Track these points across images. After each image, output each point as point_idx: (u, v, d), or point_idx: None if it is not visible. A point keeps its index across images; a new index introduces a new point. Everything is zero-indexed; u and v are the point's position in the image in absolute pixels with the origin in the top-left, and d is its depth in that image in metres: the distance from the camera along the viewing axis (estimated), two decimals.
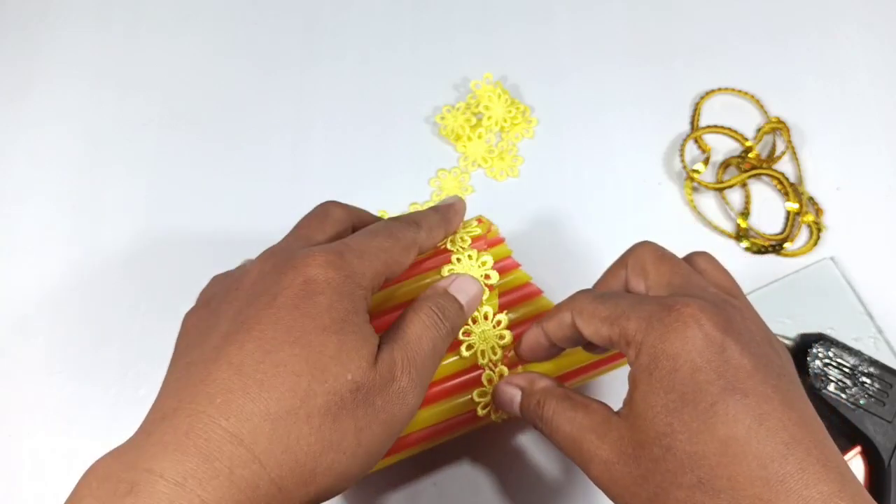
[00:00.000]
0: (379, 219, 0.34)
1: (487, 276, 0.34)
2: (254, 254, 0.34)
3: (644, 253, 0.30)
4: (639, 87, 0.48)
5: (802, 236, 0.44)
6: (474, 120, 0.46)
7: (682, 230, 0.44)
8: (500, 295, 0.35)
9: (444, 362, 0.33)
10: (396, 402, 0.26)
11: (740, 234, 0.44)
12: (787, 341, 0.38)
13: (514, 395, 0.30)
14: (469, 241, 0.35)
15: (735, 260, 0.43)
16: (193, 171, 0.46)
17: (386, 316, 0.33)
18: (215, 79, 0.49)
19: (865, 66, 0.48)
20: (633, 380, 0.26)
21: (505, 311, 0.34)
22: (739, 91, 0.48)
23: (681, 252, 0.43)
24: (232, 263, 0.38)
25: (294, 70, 0.49)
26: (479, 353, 0.33)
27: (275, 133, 0.47)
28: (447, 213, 0.34)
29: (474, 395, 0.33)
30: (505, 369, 0.33)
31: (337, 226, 0.31)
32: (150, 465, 0.22)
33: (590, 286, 0.32)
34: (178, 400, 0.24)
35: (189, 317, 0.29)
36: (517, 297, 0.35)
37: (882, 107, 0.47)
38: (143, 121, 0.48)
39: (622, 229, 0.44)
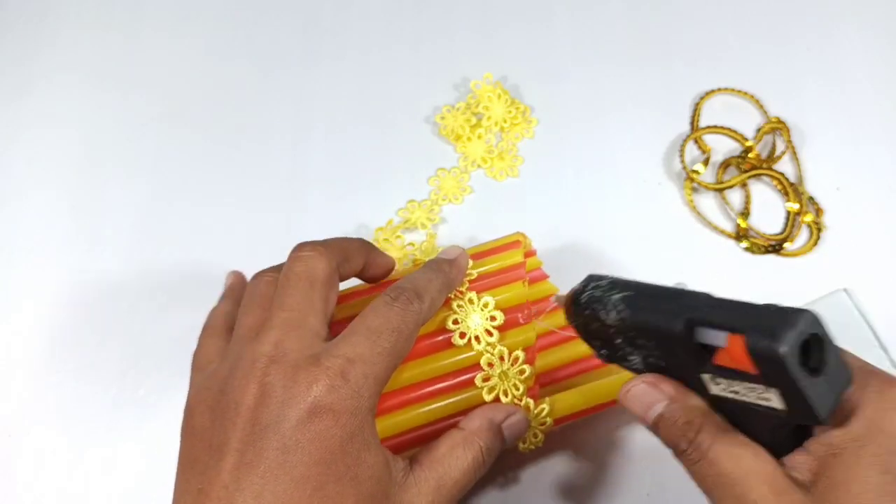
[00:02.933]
0: (363, 242, 0.33)
1: (493, 318, 0.33)
2: (251, 255, 0.34)
3: None
4: (639, 87, 0.48)
5: (802, 236, 0.44)
6: (474, 120, 0.46)
7: (682, 230, 0.44)
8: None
9: (467, 395, 0.32)
10: None
11: (740, 235, 0.43)
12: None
13: (655, 401, 0.26)
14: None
15: (735, 260, 0.43)
16: (193, 170, 0.46)
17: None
18: (215, 79, 0.49)
19: (865, 66, 0.48)
20: (828, 444, 0.23)
21: (522, 348, 0.33)
22: (739, 91, 0.48)
23: (680, 252, 0.43)
24: (232, 262, 0.38)
25: (294, 70, 0.49)
26: (501, 393, 0.32)
27: (275, 133, 0.47)
28: (450, 275, 0.32)
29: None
30: (531, 402, 0.32)
31: (324, 291, 0.29)
32: None
33: None
34: None
35: (191, 412, 0.28)
36: (558, 339, 0.34)
37: (882, 107, 0.47)
38: (143, 121, 0.48)
39: (622, 229, 0.44)
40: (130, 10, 0.52)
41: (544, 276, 0.35)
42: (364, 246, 0.33)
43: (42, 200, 0.46)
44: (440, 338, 0.33)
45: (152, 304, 0.43)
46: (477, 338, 0.32)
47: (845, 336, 0.40)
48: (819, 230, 0.43)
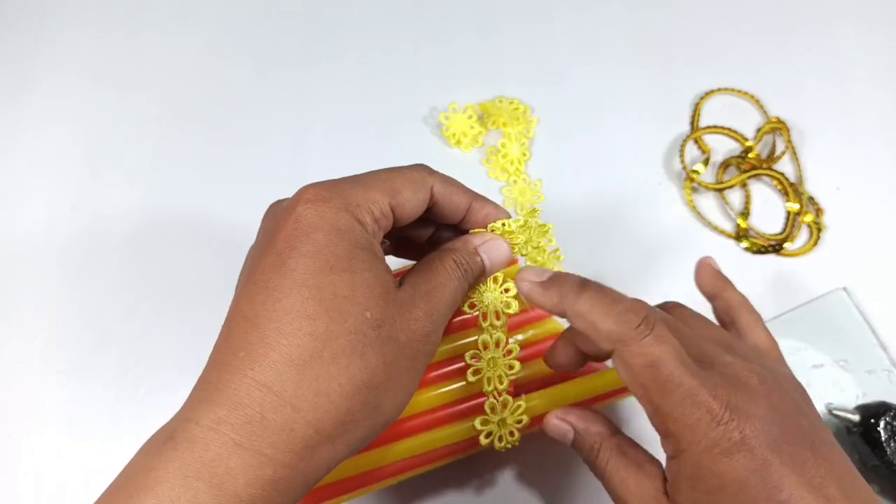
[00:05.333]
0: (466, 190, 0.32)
1: (507, 305, 0.32)
2: None
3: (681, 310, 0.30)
4: (639, 87, 0.48)
5: (802, 236, 0.44)
6: (477, 127, 0.46)
7: (682, 230, 0.44)
8: (510, 316, 0.33)
9: (446, 388, 0.33)
10: (420, 340, 0.26)
11: (740, 234, 0.44)
12: (849, 415, 0.36)
13: (566, 432, 0.30)
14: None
15: (735, 260, 0.43)
16: (193, 170, 0.46)
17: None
18: (215, 79, 0.49)
19: (865, 66, 0.48)
20: (673, 479, 0.26)
21: (516, 340, 0.33)
22: (739, 91, 0.48)
23: (680, 252, 0.43)
24: (231, 262, 0.38)
25: (294, 70, 0.49)
26: (485, 380, 0.32)
27: (275, 133, 0.47)
28: (473, 192, 0.32)
29: (476, 423, 0.32)
30: (509, 399, 0.32)
31: (402, 185, 0.28)
32: (188, 415, 0.23)
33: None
34: (211, 364, 0.25)
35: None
36: (526, 319, 0.34)
37: (882, 107, 0.47)
38: (143, 121, 0.48)
39: (622, 229, 0.44)
40: (130, 10, 0.52)
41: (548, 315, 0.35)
42: (475, 194, 0.32)
43: (42, 200, 0.46)
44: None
45: (152, 304, 0.43)
46: (485, 315, 0.32)
47: (845, 335, 0.40)
48: (819, 230, 0.43)
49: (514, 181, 0.45)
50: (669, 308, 0.30)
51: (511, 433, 0.32)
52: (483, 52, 0.50)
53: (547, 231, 0.34)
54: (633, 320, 0.26)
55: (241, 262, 0.36)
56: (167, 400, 0.39)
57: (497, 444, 0.32)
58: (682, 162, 0.45)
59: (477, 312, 0.32)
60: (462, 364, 0.33)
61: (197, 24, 0.51)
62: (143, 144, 0.47)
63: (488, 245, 0.31)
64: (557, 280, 0.29)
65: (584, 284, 0.28)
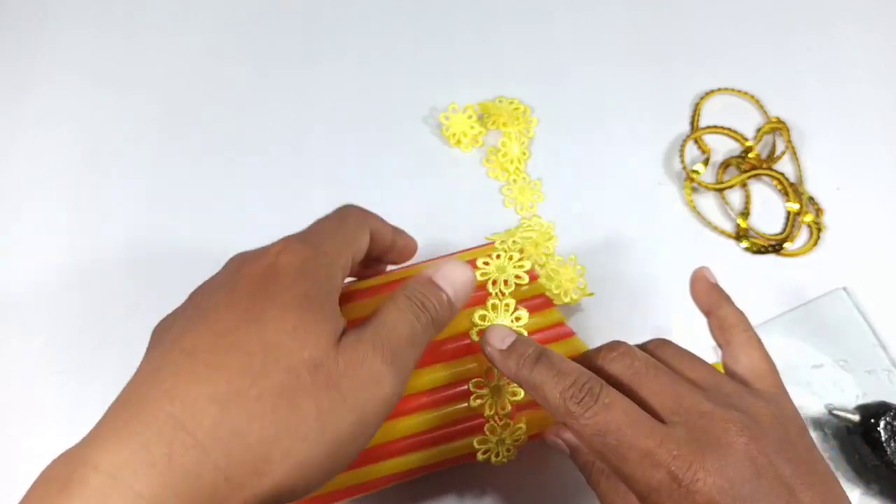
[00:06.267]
0: (394, 228, 0.32)
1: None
2: None
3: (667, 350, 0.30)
4: (639, 87, 0.48)
5: (802, 236, 0.44)
6: (477, 127, 0.46)
7: (682, 230, 0.44)
8: (532, 333, 0.33)
9: (446, 410, 0.32)
10: (368, 387, 0.24)
11: (740, 234, 0.43)
12: (849, 415, 0.36)
13: (562, 448, 0.32)
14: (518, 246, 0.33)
15: (735, 260, 0.43)
16: (193, 170, 0.46)
17: None
18: (215, 79, 0.49)
19: (865, 66, 0.48)
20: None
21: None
22: (739, 91, 0.48)
23: (680, 252, 0.43)
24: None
25: (294, 70, 0.49)
26: (486, 405, 0.32)
27: (275, 133, 0.47)
28: (393, 227, 0.32)
29: (474, 442, 0.32)
30: (510, 422, 0.32)
31: (354, 232, 0.29)
32: (87, 458, 0.21)
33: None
34: (128, 392, 0.23)
35: (167, 315, 0.28)
36: (549, 337, 0.34)
37: (882, 107, 0.47)
38: (143, 121, 0.48)
39: (622, 229, 0.44)
40: (130, 10, 0.52)
41: (551, 304, 0.34)
42: (394, 228, 0.32)
43: (42, 200, 0.46)
44: (454, 345, 0.33)
45: (152, 304, 0.42)
46: None
47: (845, 335, 0.40)
48: (819, 230, 0.43)
49: (514, 180, 0.45)
50: (652, 348, 0.29)
51: (508, 449, 0.32)
52: (483, 52, 0.50)
53: (551, 237, 0.34)
54: (575, 395, 0.26)
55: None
56: None
57: (493, 460, 0.32)
58: (682, 162, 0.45)
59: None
60: (464, 388, 0.32)
61: (197, 24, 0.51)
62: (143, 144, 0.47)
63: (443, 271, 0.29)
64: (516, 349, 0.28)
65: (539, 357, 0.28)
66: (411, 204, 0.45)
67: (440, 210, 0.44)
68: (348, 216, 0.29)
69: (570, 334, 0.34)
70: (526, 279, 0.33)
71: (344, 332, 0.25)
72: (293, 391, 0.22)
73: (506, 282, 0.32)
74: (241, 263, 0.26)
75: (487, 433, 0.32)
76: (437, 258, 0.35)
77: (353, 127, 0.47)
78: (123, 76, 0.49)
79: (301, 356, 0.23)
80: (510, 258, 0.33)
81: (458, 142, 0.46)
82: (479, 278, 0.32)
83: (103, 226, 0.45)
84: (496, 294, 0.33)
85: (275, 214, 0.45)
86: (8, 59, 0.50)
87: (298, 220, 0.44)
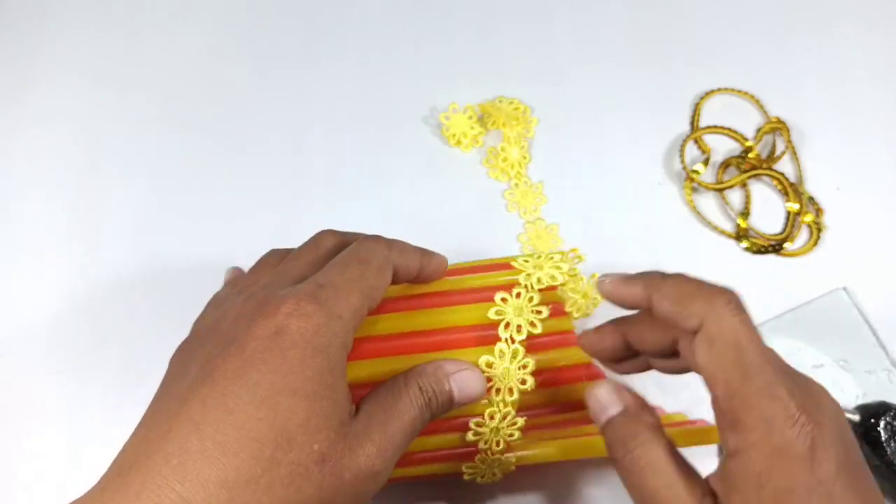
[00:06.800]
0: (417, 247, 0.32)
1: (524, 382, 0.31)
2: (251, 255, 0.34)
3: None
4: (639, 87, 0.48)
5: (802, 236, 0.44)
6: (477, 128, 0.46)
7: (682, 230, 0.44)
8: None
9: (442, 438, 0.32)
10: (367, 481, 0.25)
11: (740, 234, 0.44)
12: (849, 415, 0.36)
13: (610, 404, 0.28)
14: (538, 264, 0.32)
15: (735, 260, 0.43)
16: (193, 170, 0.46)
17: (384, 342, 0.31)
18: (215, 79, 0.49)
19: (865, 66, 0.48)
20: (731, 479, 0.24)
21: (524, 417, 0.32)
22: (739, 91, 0.48)
23: (681, 252, 0.43)
24: (231, 262, 0.38)
25: (294, 70, 0.49)
26: (482, 441, 0.31)
27: (275, 133, 0.47)
28: (421, 249, 0.32)
29: (463, 467, 0.32)
30: (501, 457, 0.32)
31: (329, 258, 0.29)
32: None
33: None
34: (137, 455, 0.23)
35: (175, 353, 0.28)
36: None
37: (882, 107, 0.47)
38: (143, 121, 0.48)
39: (622, 229, 0.44)
40: (130, 10, 0.52)
41: (563, 313, 0.34)
42: (422, 251, 0.32)
43: (42, 200, 0.46)
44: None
45: (152, 303, 0.43)
46: (497, 389, 0.31)
47: (845, 335, 0.40)
48: (819, 230, 0.43)
49: (516, 184, 0.45)
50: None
51: (493, 473, 0.32)
52: (483, 52, 0.50)
53: (575, 273, 0.34)
54: (723, 296, 0.25)
55: (240, 262, 0.36)
56: None
57: (479, 480, 0.32)
58: (682, 162, 0.45)
59: (489, 385, 0.31)
60: (462, 420, 0.32)
61: (197, 24, 0.51)
62: (143, 144, 0.47)
63: (461, 376, 0.29)
64: (639, 274, 0.28)
65: (667, 273, 0.28)
66: (411, 204, 0.45)
67: (440, 210, 0.44)
68: (371, 259, 0.28)
69: (575, 343, 0.33)
70: (539, 328, 0.32)
71: (350, 413, 0.26)
72: (300, 481, 0.23)
73: (519, 328, 0.31)
74: (250, 319, 0.25)
75: (478, 462, 0.32)
76: (454, 266, 0.34)
77: (353, 127, 0.47)
78: (123, 76, 0.49)
79: (310, 448, 0.24)
80: (530, 299, 0.32)
81: (458, 142, 0.46)
82: (494, 317, 0.32)
83: (103, 226, 0.45)
84: (506, 340, 0.31)
85: (275, 214, 0.45)
86: (8, 59, 0.50)
87: (298, 219, 0.44)
